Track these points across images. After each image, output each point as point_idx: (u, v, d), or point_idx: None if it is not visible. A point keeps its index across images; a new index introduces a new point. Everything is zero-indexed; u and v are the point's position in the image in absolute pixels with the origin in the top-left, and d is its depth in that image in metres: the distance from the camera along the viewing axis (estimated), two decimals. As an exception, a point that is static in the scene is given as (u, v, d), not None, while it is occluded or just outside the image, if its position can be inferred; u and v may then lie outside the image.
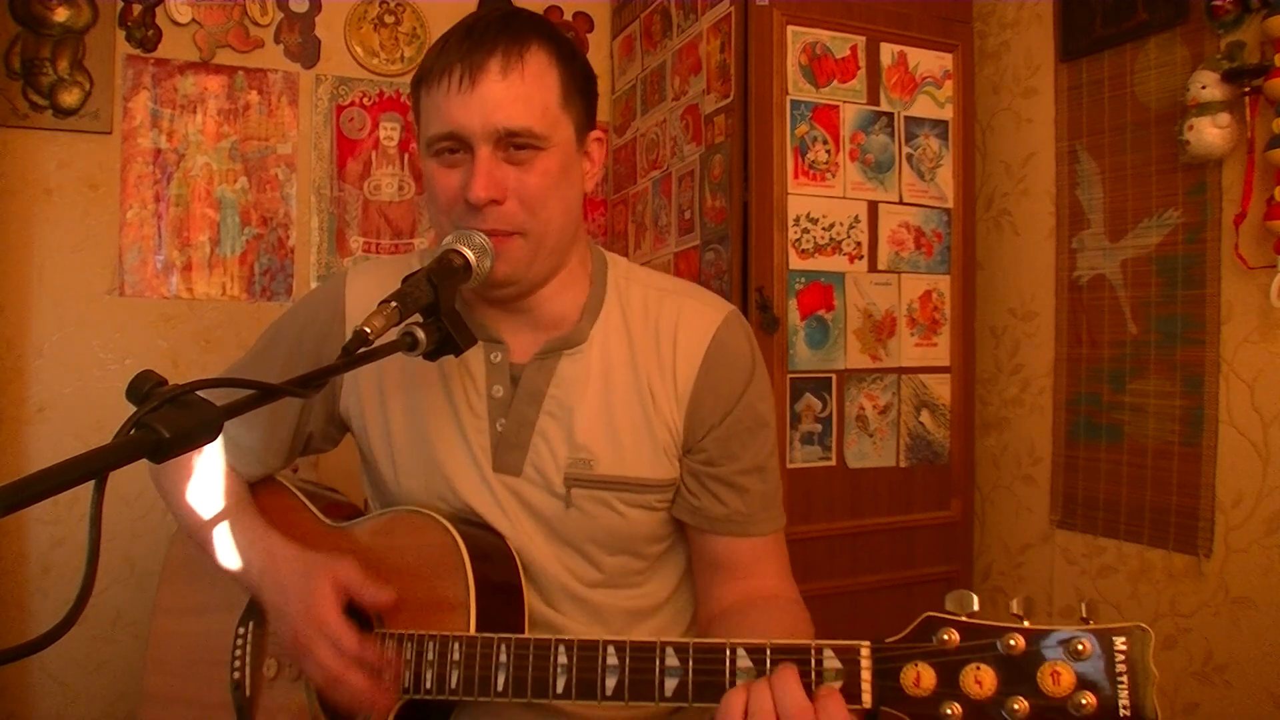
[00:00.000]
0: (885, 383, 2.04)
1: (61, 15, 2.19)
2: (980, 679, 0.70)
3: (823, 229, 1.97)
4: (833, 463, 1.99)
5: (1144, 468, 1.83)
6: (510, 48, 0.94)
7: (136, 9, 2.25)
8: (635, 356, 1.05)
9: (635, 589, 1.08)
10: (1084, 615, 0.71)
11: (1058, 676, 0.69)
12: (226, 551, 1.05)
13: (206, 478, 1.10)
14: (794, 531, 1.89)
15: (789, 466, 1.93)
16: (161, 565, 1.20)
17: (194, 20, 2.31)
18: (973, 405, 2.17)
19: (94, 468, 0.56)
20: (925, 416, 2.09)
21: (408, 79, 2.53)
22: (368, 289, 1.09)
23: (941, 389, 2.10)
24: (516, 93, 0.93)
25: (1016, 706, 0.69)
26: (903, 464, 2.06)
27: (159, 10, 2.28)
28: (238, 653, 1.07)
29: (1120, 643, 0.68)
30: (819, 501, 1.97)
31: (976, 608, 0.73)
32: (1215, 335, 1.70)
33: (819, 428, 1.97)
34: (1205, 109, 1.62)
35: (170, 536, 1.23)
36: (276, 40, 2.39)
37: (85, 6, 2.20)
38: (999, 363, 2.20)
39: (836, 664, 0.75)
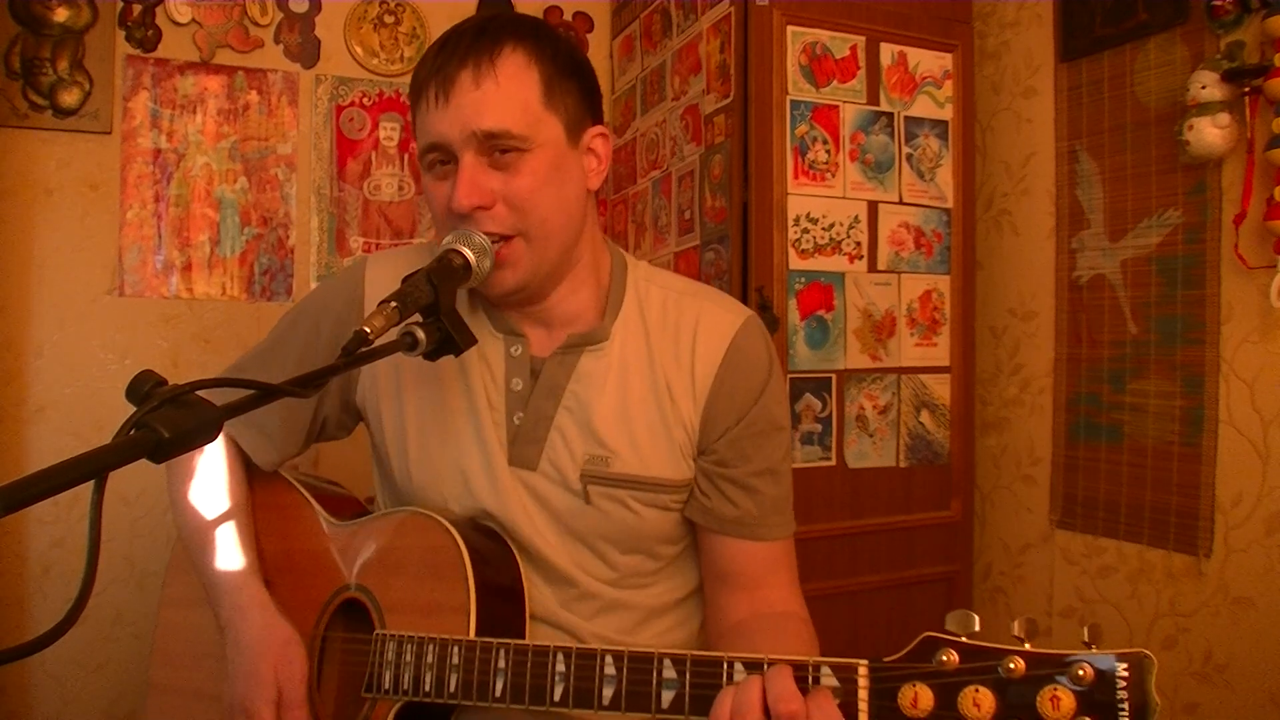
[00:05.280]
0: (885, 383, 2.04)
1: (61, 15, 2.18)
2: (979, 701, 0.70)
3: (822, 229, 1.97)
4: (833, 463, 1.99)
5: (1144, 468, 1.83)
6: (480, 56, 0.94)
7: (136, 9, 2.25)
8: (653, 356, 1.05)
9: (646, 589, 1.08)
10: (1086, 640, 0.69)
11: (1057, 701, 0.67)
12: (208, 580, 1.07)
13: (207, 493, 1.10)
14: (794, 532, 1.90)
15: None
16: (170, 556, 1.21)
17: (194, 20, 2.31)
18: (973, 405, 2.16)
19: (94, 468, 0.57)
20: (925, 416, 2.09)
21: (407, 79, 2.53)
22: (387, 280, 1.07)
23: (941, 389, 2.10)
24: (491, 98, 0.93)
25: None
26: (903, 464, 2.06)
27: (159, 10, 2.28)
28: None
29: (1122, 669, 0.67)
30: (819, 501, 1.97)
31: (977, 628, 0.72)
32: (1215, 335, 1.70)
33: (819, 428, 1.97)
34: (1205, 109, 1.62)
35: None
36: (276, 40, 2.39)
37: (85, 6, 2.20)
38: (999, 363, 2.20)
39: (834, 682, 0.74)
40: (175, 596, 1.18)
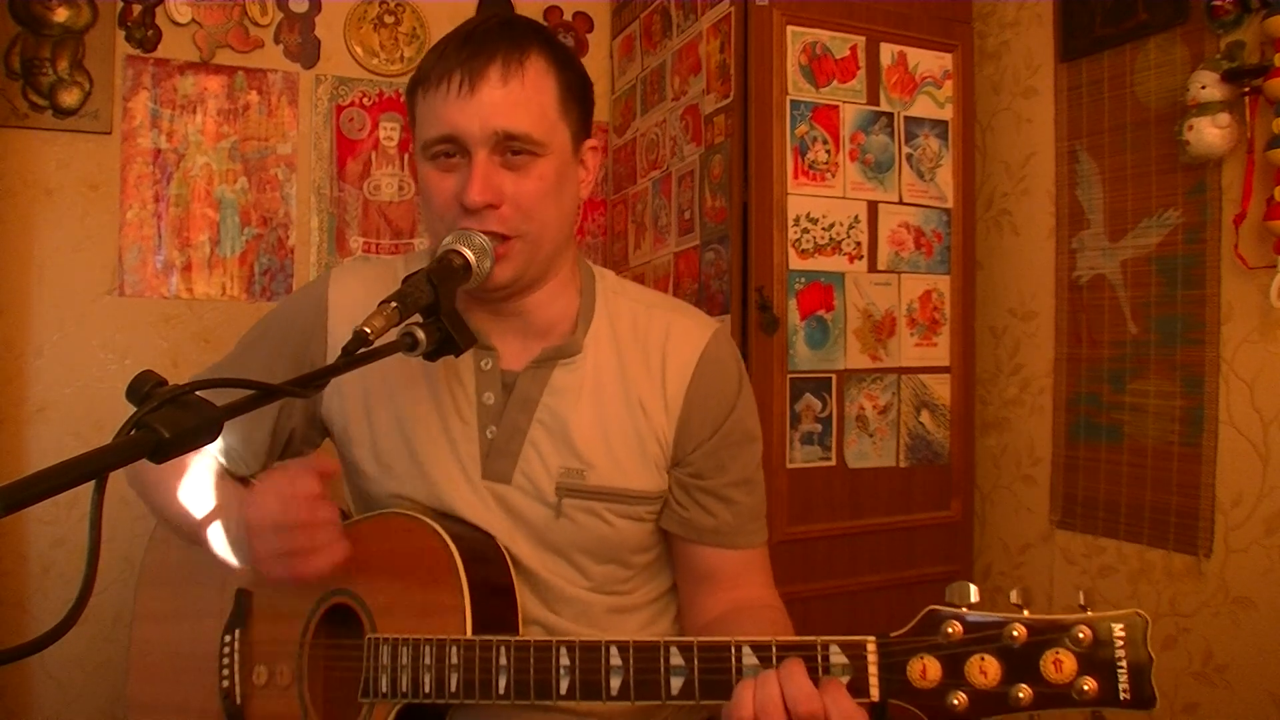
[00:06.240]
0: (885, 383, 2.04)
1: (61, 15, 2.18)
2: (985, 669, 0.73)
3: (822, 229, 1.97)
4: (833, 463, 1.99)
5: (1144, 468, 1.83)
6: (510, 54, 0.95)
7: (136, 9, 2.25)
8: (625, 369, 1.05)
9: (621, 595, 1.09)
10: (1082, 604, 0.73)
11: (1060, 664, 0.71)
12: (212, 526, 1.02)
13: (197, 482, 1.09)
14: (794, 531, 1.90)
15: (789, 466, 1.93)
16: (138, 571, 1.19)
17: (194, 20, 2.31)
18: (973, 405, 2.17)
19: (94, 468, 0.57)
20: (925, 416, 2.09)
21: (408, 79, 2.54)
22: (351, 291, 1.09)
23: (941, 389, 2.10)
24: (516, 98, 0.94)
25: (1021, 694, 0.71)
26: (903, 464, 2.06)
27: (159, 10, 2.28)
28: (225, 660, 1.06)
29: (1119, 629, 0.71)
30: (819, 501, 1.97)
31: (976, 599, 0.74)
32: (1215, 335, 1.70)
33: (819, 428, 1.97)
34: (1205, 109, 1.62)
35: (147, 542, 1.21)
36: (276, 40, 2.39)
37: (85, 6, 2.20)
38: (999, 363, 2.20)
39: (843, 659, 0.77)
40: (149, 611, 1.16)
